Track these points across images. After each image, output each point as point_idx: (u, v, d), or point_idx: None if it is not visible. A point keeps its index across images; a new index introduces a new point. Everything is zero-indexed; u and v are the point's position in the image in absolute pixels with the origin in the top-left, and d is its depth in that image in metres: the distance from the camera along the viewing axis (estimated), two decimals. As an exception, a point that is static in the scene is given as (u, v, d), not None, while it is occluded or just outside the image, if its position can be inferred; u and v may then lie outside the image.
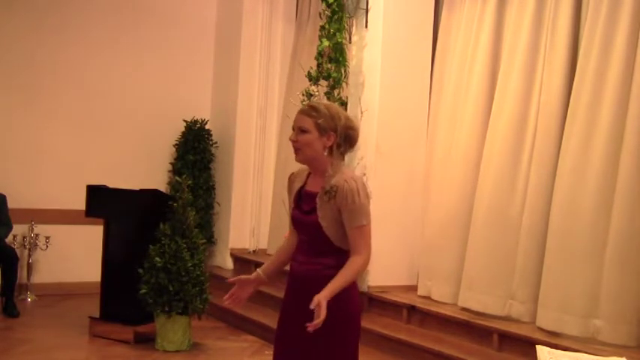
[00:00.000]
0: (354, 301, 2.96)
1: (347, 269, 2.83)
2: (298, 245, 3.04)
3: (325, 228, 2.87)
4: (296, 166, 3.12)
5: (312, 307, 2.69)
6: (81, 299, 6.96)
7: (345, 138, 2.94)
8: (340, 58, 6.11)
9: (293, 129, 2.98)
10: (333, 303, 2.74)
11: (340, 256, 2.89)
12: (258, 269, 3.18)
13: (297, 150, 2.94)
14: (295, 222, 3.03)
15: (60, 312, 6.69)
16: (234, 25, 7.90)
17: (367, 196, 2.89)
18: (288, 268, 3.13)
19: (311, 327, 2.67)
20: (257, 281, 3.13)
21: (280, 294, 6.59)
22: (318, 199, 2.90)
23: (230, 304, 3.10)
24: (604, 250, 4.55)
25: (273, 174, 7.78)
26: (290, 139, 2.97)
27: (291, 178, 3.12)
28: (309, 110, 2.95)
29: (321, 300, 2.69)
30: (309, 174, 3.02)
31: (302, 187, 3.02)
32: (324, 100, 6.12)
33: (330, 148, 2.91)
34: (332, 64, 6.10)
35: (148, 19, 7.88)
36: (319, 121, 2.90)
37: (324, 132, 2.90)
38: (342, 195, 2.84)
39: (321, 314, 2.67)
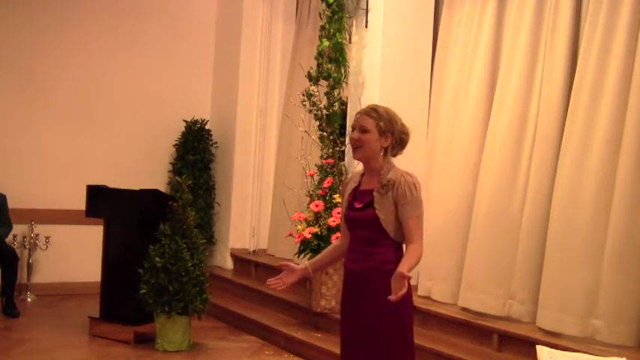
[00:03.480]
0: (409, 290, 3.08)
1: (411, 254, 3.03)
2: (352, 245, 3.20)
3: (383, 220, 3.06)
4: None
5: (396, 279, 2.86)
6: (81, 299, 6.97)
7: (399, 141, 3.16)
8: (340, 58, 6.11)
9: (353, 128, 3.16)
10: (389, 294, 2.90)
11: (396, 250, 3.09)
12: (306, 262, 3.40)
13: (357, 148, 3.13)
14: (351, 220, 3.20)
15: (60, 312, 6.69)
16: (234, 25, 7.90)
17: (420, 190, 3.10)
18: (342, 268, 3.30)
19: (393, 298, 2.84)
20: (303, 272, 3.31)
21: (282, 295, 6.65)
22: (375, 193, 3.09)
23: (273, 285, 3.27)
24: (603, 251, 4.55)
25: (273, 174, 7.78)
26: (351, 138, 3.15)
27: (345, 182, 3.35)
28: (371, 112, 3.15)
29: (404, 272, 2.86)
30: (363, 175, 3.21)
31: (356, 188, 3.21)
32: (324, 101, 6.13)
33: (386, 149, 3.13)
34: (332, 64, 6.10)
35: (148, 19, 7.89)
36: (380, 123, 3.11)
37: (383, 133, 3.12)
38: (399, 188, 3.05)
39: (404, 286, 2.85)
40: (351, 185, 3.24)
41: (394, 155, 3.18)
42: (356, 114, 3.21)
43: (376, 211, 3.06)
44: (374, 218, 3.07)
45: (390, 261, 3.04)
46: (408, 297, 3.07)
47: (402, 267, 2.91)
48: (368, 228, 3.10)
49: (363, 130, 3.11)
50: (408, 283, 3.05)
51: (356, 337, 3.16)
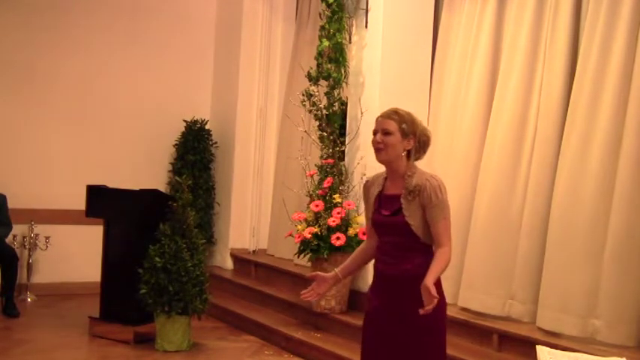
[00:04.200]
0: (441, 293, 3.09)
1: (440, 259, 3.02)
2: (382, 248, 3.19)
3: (413, 226, 3.06)
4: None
5: (424, 293, 2.86)
6: (81, 299, 6.97)
7: (421, 144, 3.17)
8: (340, 59, 6.10)
9: (374, 133, 3.15)
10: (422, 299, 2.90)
11: (427, 252, 3.08)
12: (335, 269, 3.37)
13: (380, 150, 3.12)
14: (379, 225, 3.18)
15: (60, 312, 6.69)
16: (234, 25, 7.90)
17: (446, 193, 3.09)
18: (373, 270, 3.28)
19: (424, 311, 2.85)
20: (334, 279, 3.33)
21: (280, 295, 6.64)
22: (402, 200, 3.08)
23: (307, 297, 3.30)
24: (603, 251, 4.55)
25: (273, 174, 7.78)
26: (374, 141, 3.13)
27: (367, 185, 3.31)
28: (393, 114, 3.14)
29: (430, 286, 2.86)
30: (386, 178, 3.20)
31: (380, 192, 3.19)
32: (324, 101, 6.13)
33: (409, 152, 3.13)
34: (332, 64, 6.10)
35: (149, 19, 7.89)
36: (402, 125, 3.11)
37: (406, 136, 3.12)
38: (426, 193, 3.04)
39: (434, 299, 2.84)
40: (375, 189, 3.22)
41: (417, 159, 3.17)
42: (377, 117, 3.18)
43: (406, 218, 3.06)
44: (404, 225, 3.06)
45: (422, 264, 3.03)
46: (442, 304, 3.08)
47: (428, 278, 2.90)
48: (398, 234, 3.09)
49: (386, 133, 3.10)
50: (441, 290, 3.05)
51: (388, 340, 3.12)
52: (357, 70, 6.10)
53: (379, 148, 3.11)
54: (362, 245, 3.41)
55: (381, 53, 5.91)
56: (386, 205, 3.14)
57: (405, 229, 3.07)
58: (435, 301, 2.85)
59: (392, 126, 3.10)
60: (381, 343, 3.16)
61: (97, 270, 6.06)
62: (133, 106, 7.80)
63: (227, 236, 7.78)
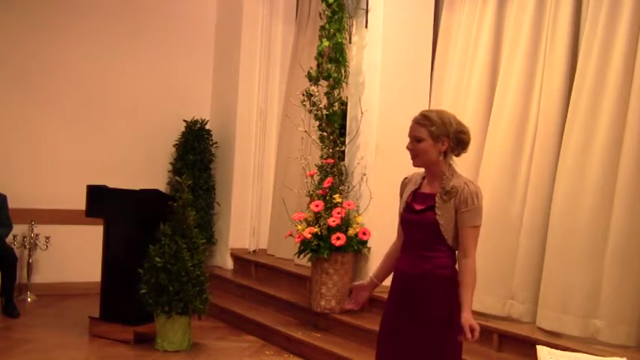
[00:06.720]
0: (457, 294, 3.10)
1: (467, 276, 3.02)
2: (406, 247, 3.18)
3: (442, 226, 3.05)
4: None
5: (466, 329, 2.95)
6: (81, 299, 6.97)
7: (458, 142, 3.11)
8: (340, 58, 6.10)
9: (410, 137, 3.15)
10: (445, 304, 2.99)
11: (450, 255, 3.07)
12: (370, 275, 3.41)
13: (414, 157, 3.13)
14: (407, 223, 3.18)
15: (60, 312, 6.69)
16: (234, 25, 7.90)
17: (482, 200, 3.08)
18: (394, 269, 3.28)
19: (464, 339, 2.96)
20: (371, 285, 3.36)
21: (280, 295, 6.63)
22: (437, 198, 3.07)
23: (350, 307, 3.39)
24: (604, 251, 4.55)
25: (273, 174, 7.78)
26: (407, 148, 3.15)
27: (405, 182, 3.31)
28: (422, 119, 3.11)
29: (470, 318, 2.96)
30: (424, 177, 3.20)
31: (416, 190, 3.19)
32: (324, 101, 6.13)
33: (445, 153, 3.10)
34: (332, 64, 6.09)
35: (148, 19, 7.89)
36: (432, 129, 3.07)
37: (438, 139, 3.07)
38: (462, 196, 3.03)
39: (475, 333, 2.95)
40: (411, 187, 3.21)
41: (457, 155, 3.14)
42: (412, 121, 3.16)
43: (437, 217, 3.04)
44: (433, 223, 3.04)
45: (444, 266, 3.03)
46: (459, 307, 3.07)
47: (466, 310, 2.95)
48: (425, 232, 3.07)
49: (417, 140, 3.08)
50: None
51: (404, 339, 3.13)
52: (357, 70, 6.10)
53: (412, 155, 3.12)
54: (392, 246, 3.36)
55: (381, 53, 5.91)
56: (419, 201, 3.13)
57: (432, 229, 3.04)
58: (476, 334, 2.92)
59: (422, 132, 3.07)
60: (396, 342, 3.16)
61: (97, 270, 6.06)
62: (133, 105, 7.80)
63: (227, 236, 7.78)
